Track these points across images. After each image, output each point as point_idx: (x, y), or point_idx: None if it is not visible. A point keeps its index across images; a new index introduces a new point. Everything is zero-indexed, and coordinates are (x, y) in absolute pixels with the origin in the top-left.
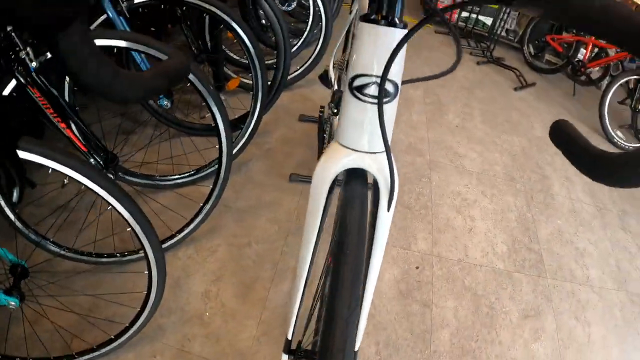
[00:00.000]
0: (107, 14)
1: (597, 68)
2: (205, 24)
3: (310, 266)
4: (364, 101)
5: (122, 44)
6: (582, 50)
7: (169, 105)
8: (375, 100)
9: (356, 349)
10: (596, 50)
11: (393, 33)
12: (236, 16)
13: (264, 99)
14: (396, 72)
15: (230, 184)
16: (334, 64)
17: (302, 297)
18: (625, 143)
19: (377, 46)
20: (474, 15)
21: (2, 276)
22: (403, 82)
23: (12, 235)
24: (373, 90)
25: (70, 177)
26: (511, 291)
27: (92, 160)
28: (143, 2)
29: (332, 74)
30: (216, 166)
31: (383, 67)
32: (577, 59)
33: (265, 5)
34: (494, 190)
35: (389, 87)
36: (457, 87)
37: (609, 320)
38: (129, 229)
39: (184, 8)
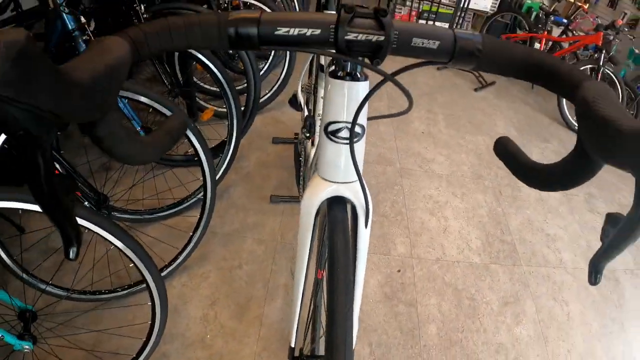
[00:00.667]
0: None
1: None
2: (174, 59)
3: (305, 281)
4: (338, 142)
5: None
6: (537, 45)
7: None
8: (347, 141)
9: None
10: (550, 43)
11: (357, 87)
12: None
13: (240, 124)
14: (362, 116)
15: (214, 210)
16: (301, 87)
17: (300, 309)
18: None
19: (345, 97)
20: (430, 22)
21: (10, 321)
22: (369, 119)
23: (13, 281)
24: (344, 133)
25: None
26: (490, 282)
27: (86, 203)
28: None
29: (301, 98)
30: (200, 195)
31: (351, 113)
32: None
33: None
34: (463, 190)
35: (357, 129)
36: (418, 94)
37: (585, 298)
38: (131, 265)
39: None
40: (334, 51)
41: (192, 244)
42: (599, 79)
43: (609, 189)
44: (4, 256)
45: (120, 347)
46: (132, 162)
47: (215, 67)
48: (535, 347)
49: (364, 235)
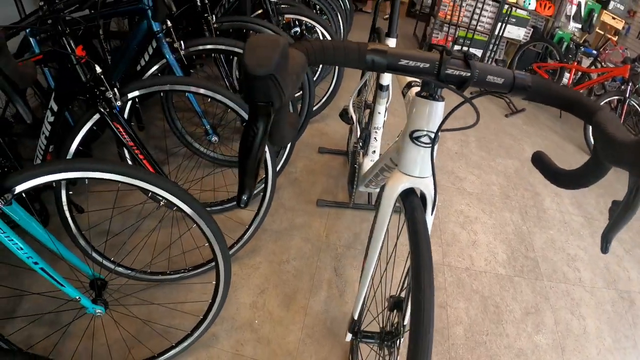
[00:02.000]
0: (166, 59)
1: (581, 91)
2: (233, 65)
3: (376, 264)
4: (419, 146)
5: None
6: (567, 75)
7: (217, 140)
8: (426, 145)
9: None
10: (579, 74)
11: (438, 105)
12: None
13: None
14: (436, 126)
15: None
16: (352, 104)
17: (368, 290)
18: None
19: (428, 112)
20: (465, 48)
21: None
22: (442, 130)
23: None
24: (425, 139)
25: (166, 199)
26: (513, 292)
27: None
28: (199, 50)
29: (352, 113)
30: (261, 193)
31: (431, 124)
32: (562, 84)
33: None
34: (492, 208)
35: (431, 135)
36: (452, 118)
37: (601, 314)
38: (206, 244)
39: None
40: (435, 80)
41: (247, 234)
42: (624, 110)
43: None
44: (76, 233)
45: (175, 323)
46: (281, 143)
47: None
48: (552, 354)
49: (430, 220)
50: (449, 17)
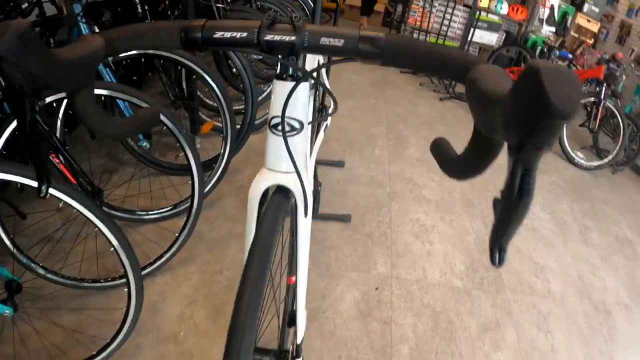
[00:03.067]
0: None
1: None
2: (182, 74)
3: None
4: (278, 135)
5: (112, 93)
6: None
7: (148, 146)
8: (288, 133)
9: (299, 341)
10: None
11: (286, 85)
12: (206, 67)
13: (234, 141)
14: (300, 112)
15: (204, 217)
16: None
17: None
18: (586, 162)
19: (283, 94)
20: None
21: None
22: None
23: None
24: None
25: (65, 202)
26: (470, 307)
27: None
28: (126, 56)
29: None
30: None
31: (291, 110)
32: None
33: (233, 57)
34: (452, 216)
35: (294, 123)
36: (419, 122)
37: (573, 329)
38: (112, 249)
39: (162, 60)
40: (257, 50)
41: (176, 245)
42: (599, 112)
43: (605, 221)
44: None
45: (97, 331)
46: (102, 134)
47: (216, 85)
48: None
49: (304, 223)
50: (419, 23)
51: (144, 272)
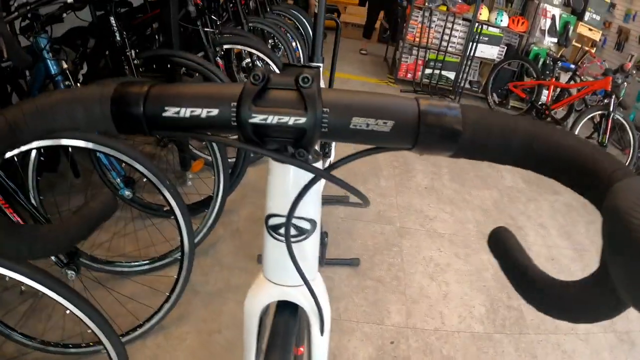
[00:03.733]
0: None
1: (561, 108)
2: None
3: None
4: (280, 240)
5: (89, 145)
6: (545, 93)
7: (130, 195)
8: (294, 239)
9: None
10: (558, 90)
11: (289, 173)
12: None
13: (227, 180)
14: (312, 209)
15: (198, 266)
16: None
17: None
18: None
19: (287, 185)
20: (437, 71)
21: None
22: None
23: None
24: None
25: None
26: (493, 354)
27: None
28: None
29: None
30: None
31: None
32: (540, 102)
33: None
34: (467, 250)
35: (303, 224)
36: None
37: None
38: (89, 331)
39: None
40: (237, 140)
41: (168, 304)
42: (609, 125)
43: None
44: None
45: None
46: (28, 256)
47: None
48: None
49: (320, 344)
50: (417, 39)
51: (133, 335)
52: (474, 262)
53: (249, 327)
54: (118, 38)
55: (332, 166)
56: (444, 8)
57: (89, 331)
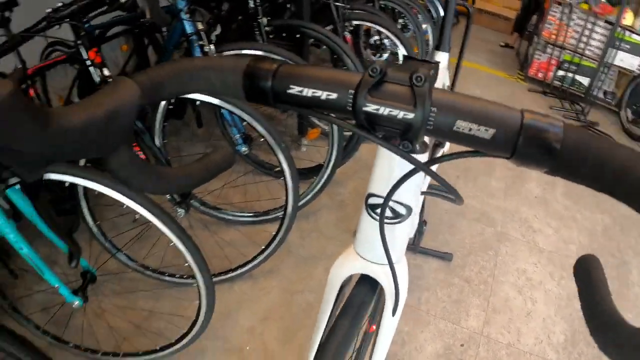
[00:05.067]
0: None
1: None
2: None
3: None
4: (374, 219)
5: (216, 101)
6: None
7: (246, 151)
8: (388, 220)
9: None
10: None
11: (393, 161)
12: None
13: (340, 152)
14: (410, 195)
15: (297, 229)
16: None
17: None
18: None
19: (390, 169)
20: (570, 75)
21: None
22: (422, 193)
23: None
24: (386, 211)
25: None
26: None
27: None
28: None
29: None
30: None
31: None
32: None
33: (347, 61)
34: (563, 273)
35: (399, 208)
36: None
37: None
38: (186, 264)
39: None
40: (352, 125)
41: (261, 258)
42: None
43: None
44: (87, 216)
45: (165, 329)
46: (150, 192)
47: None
48: None
49: (389, 324)
50: (554, 37)
51: (224, 277)
52: (567, 286)
53: (329, 292)
54: (252, 5)
55: (433, 161)
56: (585, 6)
57: (186, 264)
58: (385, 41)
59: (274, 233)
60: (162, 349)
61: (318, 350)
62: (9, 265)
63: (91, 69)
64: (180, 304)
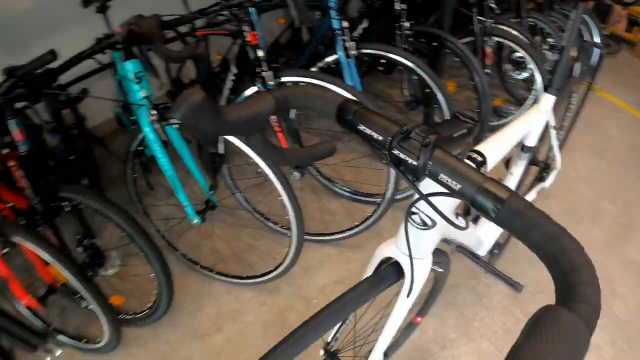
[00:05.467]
0: (338, 56)
1: None
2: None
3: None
4: (410, 222)
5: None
6: None
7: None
8: (420, 226)
9: None
10: None
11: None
12: (434, 77)
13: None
14: (432, 213)
15: (392, 217)
16: None
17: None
18: None
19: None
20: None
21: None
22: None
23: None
24: (417, 218)
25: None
26: None
27: None
28: (369, 53)
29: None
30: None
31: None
32: None
33: (476, 78)
34: (625, 346)
35: (427, 220)
36: None
37: None
38: (287, 217)
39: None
40: (386, 159)
41: (351, 232)
42: None
43: None
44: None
45: (254, 263)
46: (271, 161)
47: (442, 94)
48: None
49: (403, 304)
50: None
51: (315, 238)
52: (621, 358)
53: (371, 263)
54: (397, 7)
55: (432, 194)
56: None
57: (287, 217)
58: (526, 60)
59: (369, 214)
60: (248, 277)
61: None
62: (148, 179)
63: (248, 48)
64: (274, 248)
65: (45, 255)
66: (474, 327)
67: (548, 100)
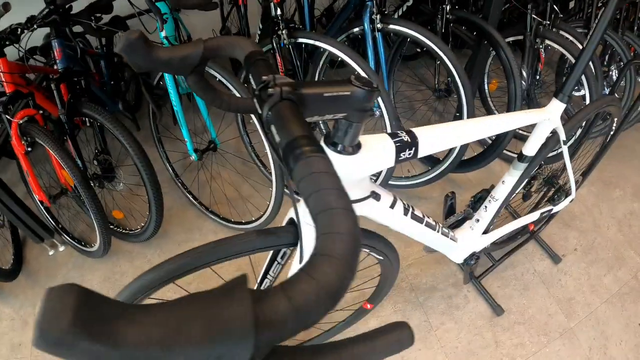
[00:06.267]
0: (363, 27)
1: None
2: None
3: None
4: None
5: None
6: None
7: None
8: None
9: None
10: None
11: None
12: (456, 64)
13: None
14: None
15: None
16: None
17: None
18: None
19: None
20: None
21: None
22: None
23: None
24: None
25: None
26: None
27: None
28: (396, 29)
29: None
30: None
31: None
32: None
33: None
34: None
35: None
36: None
37: None
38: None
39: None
40: None
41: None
42: None
43: None
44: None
45: (243, 212)
46: (215, 106)
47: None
48: None
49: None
50: None
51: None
52: None
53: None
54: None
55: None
56: None
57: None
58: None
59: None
60: (235, 222)
61: None
62: (160, 107)
63: (272, 4)
64: (264, 202)
65: (59, 159)
66: (434, 335)
67: (556, 107)
